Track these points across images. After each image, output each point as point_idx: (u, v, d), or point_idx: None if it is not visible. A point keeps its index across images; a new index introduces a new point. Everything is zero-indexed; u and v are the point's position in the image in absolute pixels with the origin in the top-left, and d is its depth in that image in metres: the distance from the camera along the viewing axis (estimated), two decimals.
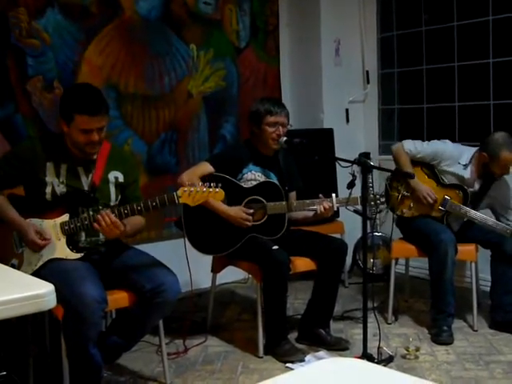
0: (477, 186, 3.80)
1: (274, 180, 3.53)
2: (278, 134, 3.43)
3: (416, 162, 3.83)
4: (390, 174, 3.82)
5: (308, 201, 3.42)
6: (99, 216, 2.72)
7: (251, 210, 3.41)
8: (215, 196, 2.75)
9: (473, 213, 3.72)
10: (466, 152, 3.80)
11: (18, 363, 2.97)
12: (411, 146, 3.83)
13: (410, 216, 3.82)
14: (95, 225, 2.73)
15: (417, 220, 3.81)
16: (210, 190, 2.72)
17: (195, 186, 2.71)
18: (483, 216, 3.72)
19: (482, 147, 3.71)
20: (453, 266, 3.55)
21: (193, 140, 4.55)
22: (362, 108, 5.21)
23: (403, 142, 3.89)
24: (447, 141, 3.88)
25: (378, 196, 3.36)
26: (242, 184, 3.48)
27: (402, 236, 3.96)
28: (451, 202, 3.74)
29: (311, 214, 3.49)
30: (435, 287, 3.63)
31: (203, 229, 3.44)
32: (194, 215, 3.39)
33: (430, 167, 3.84)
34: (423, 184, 3.78)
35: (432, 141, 3.89)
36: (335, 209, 3.40)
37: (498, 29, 4.32)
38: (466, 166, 3.77)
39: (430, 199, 3.74)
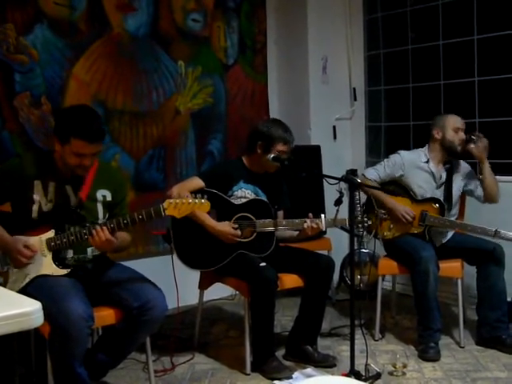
0: (444, 175, 3.86)
1: (264, 198, 3.54)
2: None
3: (387, 183, 3.89)
4: (364, 201, 3.84)
5: (297, 220, 3.42)
6: (94, 231, 2.71)
7: (238, 229, 3.39)
8: (201, 207, 2.73)
9: (452, 221, 3.78)
10: (421, 151, 3.92)
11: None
12: (373, 173, 3.88)
13: (392, 237, 3.84)
14: (90, 238, 2.72)
15: (398, 239, 3.83)
16: (196, 201, 2.70)
17: (181, 198, 2.71)
18: (463, 222, 3.80)
19: (433, 126, 3.87)
20: (435, 282, 3.55)
21: (180, 156, 4.55)
22: (349, 125, 5.24)
23: (364, 172, 3.96)
24: (399, 151, 3.96)
25: (365, 216, 3.37)
26: (233, 201, 3.48)
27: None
28: (429, 216, 3.77)
29: (296, 233, 3.51)
30: (419, 304, 3.63)
31: (191, 243, 3.43)
32: (183, 229, 3.39)
33: (400, 186, 3.89)
34: (399, 203, 3.81)
35: (385, 158, 3.96)
36: (324, 229, 3.40)
37: (483, 48, 4.38)
38: (427, 161, 3.86)
39: (408, 217, 3.76)
